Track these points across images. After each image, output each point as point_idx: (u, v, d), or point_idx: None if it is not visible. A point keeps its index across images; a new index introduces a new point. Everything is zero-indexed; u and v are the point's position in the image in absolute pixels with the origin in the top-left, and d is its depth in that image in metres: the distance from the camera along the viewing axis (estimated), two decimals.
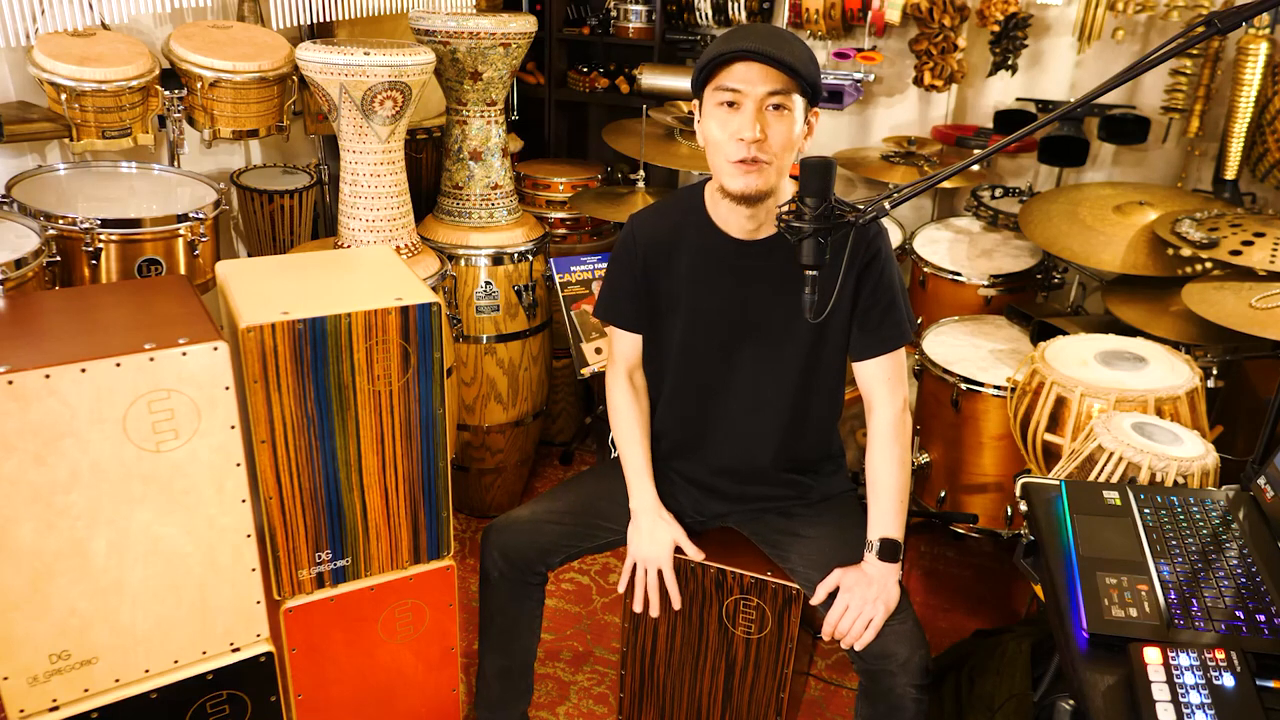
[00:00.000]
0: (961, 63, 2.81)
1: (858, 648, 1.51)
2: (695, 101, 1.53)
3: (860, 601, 1.51)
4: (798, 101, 1.44)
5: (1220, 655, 1.00)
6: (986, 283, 2.58)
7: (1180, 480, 1.49)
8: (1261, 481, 1.32)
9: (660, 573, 1.67)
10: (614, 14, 3.26)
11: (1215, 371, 2.03)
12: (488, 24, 2.31)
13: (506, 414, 2.67)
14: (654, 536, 1.66)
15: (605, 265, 1.79)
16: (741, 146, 1.43)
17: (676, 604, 1.69)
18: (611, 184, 3.01)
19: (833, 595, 1.55)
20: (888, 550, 1.56)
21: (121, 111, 2.00)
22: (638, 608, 1.70)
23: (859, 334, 1.61)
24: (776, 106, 1.43)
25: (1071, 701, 1.09)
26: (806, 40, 3.12)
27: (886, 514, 1.59)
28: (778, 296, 1.59)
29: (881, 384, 1.62)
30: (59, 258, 1.79)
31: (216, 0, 2.41)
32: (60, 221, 1.81)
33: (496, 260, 2.53)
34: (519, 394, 2.67)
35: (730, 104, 1.43)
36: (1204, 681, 0.97)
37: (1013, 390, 1.98)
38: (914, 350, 2.38)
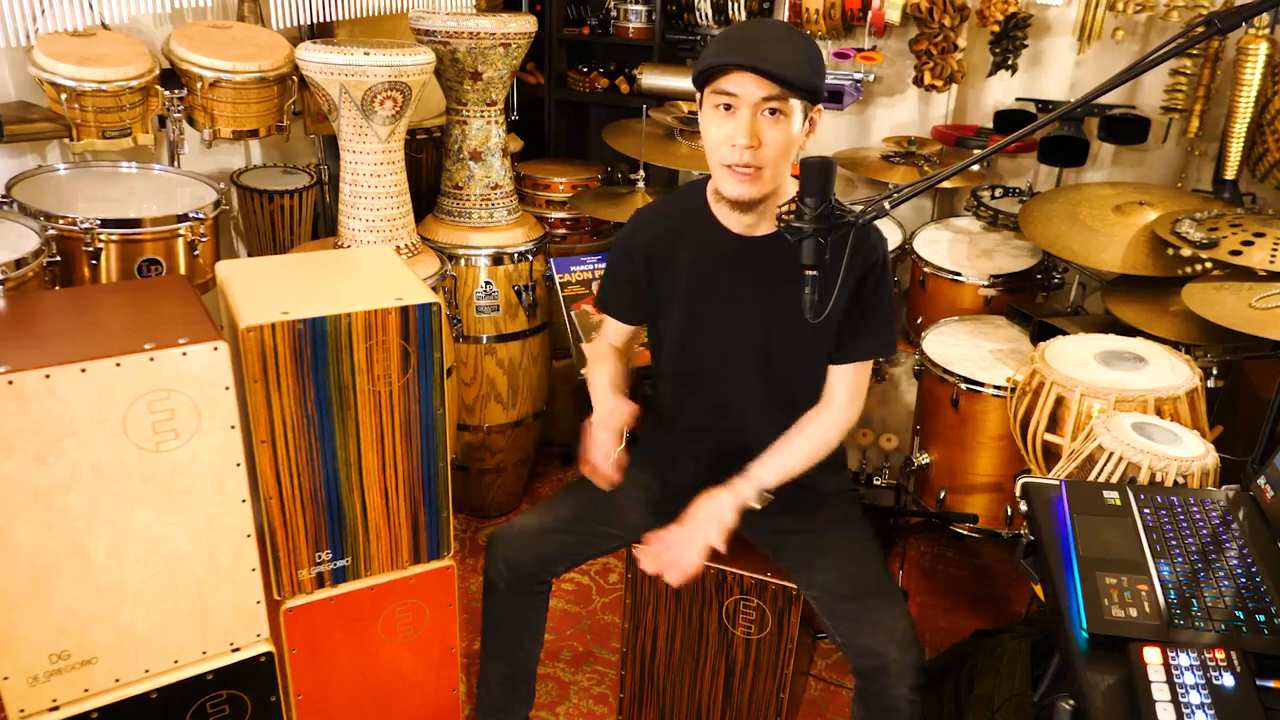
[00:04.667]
0: (961, 63, 2.80)
1: (660, 573, 1.49)
2: (698, 97, 1.52)
3: (689, 528, 1.50)
4: (795, 105, 1.43)
5: (1220, 655, 1.00)
6: (986, 283, 2.57)
7: (1180, 480, 1.49)
8: (1261, 481, 1.32)
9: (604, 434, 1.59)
10: (614, 14, 3.26)
11: (1215, 371, 2.02)
12: (488, 24, 2.31)
13: (506, 414, 2.67)
14: (614, 410, 1.60)
15: (605, 264, 1.79)
16: (735, 151, 1.44)
17: (609, 469, 1.59)
18: (611, 184, 3.01)
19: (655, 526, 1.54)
20: (750, 489, 1.53)
21: (121, 111, 2.00)
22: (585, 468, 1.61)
23: (842, 336, 1.61)
24: (773, 111, 1.42)
25: (1071, 701, 1.09)
26: None
27: (770, 463, 1.56)
28: (779, 293, 1.58)
29: (846, 387, 1.62)
30: (59, 258, 1.79)
31: (216, 0, 2.41)
32: (60, 221, 1.81)
33: (496, 260, 2.53)
34: (519, 394, 2.67)
35: (727, 106, 1.43)
36: (1204, 681, 0.97)
37: (1013, 390, 1.98)
38: (914, 350, 2.38)
